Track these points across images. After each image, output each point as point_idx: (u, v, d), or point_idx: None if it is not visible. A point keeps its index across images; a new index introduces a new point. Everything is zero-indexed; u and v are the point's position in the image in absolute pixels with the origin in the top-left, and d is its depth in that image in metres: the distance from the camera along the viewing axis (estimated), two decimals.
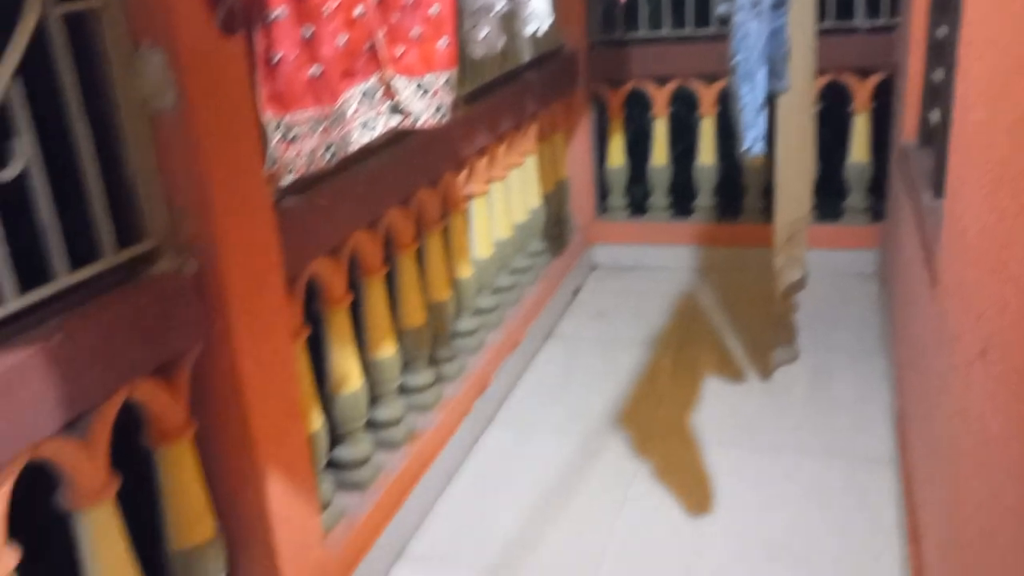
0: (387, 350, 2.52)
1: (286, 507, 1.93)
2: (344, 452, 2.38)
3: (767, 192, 3.90)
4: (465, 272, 3.04)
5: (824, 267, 3.90)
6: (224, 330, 1.73)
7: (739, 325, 3.69)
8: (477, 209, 3.15)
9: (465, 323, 3.08)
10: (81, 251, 1.52)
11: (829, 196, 4.09)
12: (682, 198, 4.37)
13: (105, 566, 1.53)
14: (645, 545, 2.42)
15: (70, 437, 1.44)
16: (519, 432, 3.03)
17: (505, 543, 2.46)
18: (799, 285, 3.02)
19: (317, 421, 2.17)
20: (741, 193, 4.26)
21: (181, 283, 1.65)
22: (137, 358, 1.55)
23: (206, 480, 1.79)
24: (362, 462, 2.39)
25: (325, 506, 2.19)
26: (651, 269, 4.34)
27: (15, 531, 1.36)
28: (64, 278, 1.46)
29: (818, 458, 2.76)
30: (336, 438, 2.35)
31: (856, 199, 4.11)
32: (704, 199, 4.31)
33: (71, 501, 1.48)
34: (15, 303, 1.37)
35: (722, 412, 3.06)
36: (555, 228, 4.02)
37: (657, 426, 3.00)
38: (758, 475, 2.69)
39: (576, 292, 4.14)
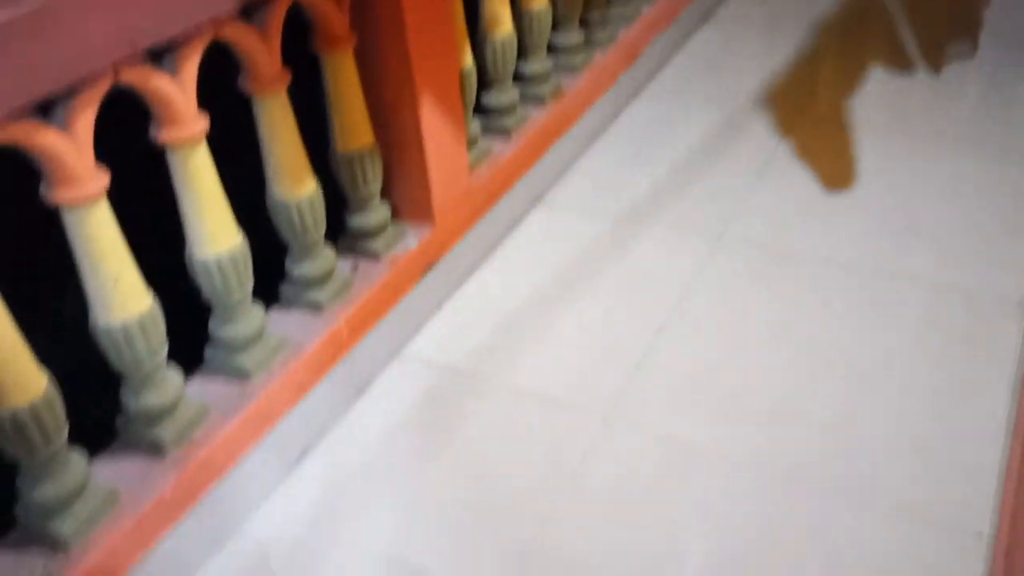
0: (539, 1, 2.51)
1: (438, 131, 2.07)
2: (492, 98, 2.47)
3: None
4: None
5: None
6: None
7: (919, 18, 3.40)
8: None
9: None
10: None
11: None
12: None
13: (278, 149, 1.73)
14: (776, 211, 2.47)
15: (249, 24, 1.57)
16: (664, 105, 3.03)
17: (637, 201, 2.57)
18: None
19: (468, 60, 2.25)
20: None
21: None
22: None
23: (367, 96, 1.93)
24: (508, 109, 2.48)
25: (472, 143, 2.33)
26: None
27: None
28: None
29: (973, 156, 2.64)
30: (485, 84, 2.44)
31: None
32: None
33: (251, 85, 1.65)
34: None
35: (880, 100, 2.93)
36: None
37: (809, 108, 2.93)
38: (906, 164, 2.62)
39: None
